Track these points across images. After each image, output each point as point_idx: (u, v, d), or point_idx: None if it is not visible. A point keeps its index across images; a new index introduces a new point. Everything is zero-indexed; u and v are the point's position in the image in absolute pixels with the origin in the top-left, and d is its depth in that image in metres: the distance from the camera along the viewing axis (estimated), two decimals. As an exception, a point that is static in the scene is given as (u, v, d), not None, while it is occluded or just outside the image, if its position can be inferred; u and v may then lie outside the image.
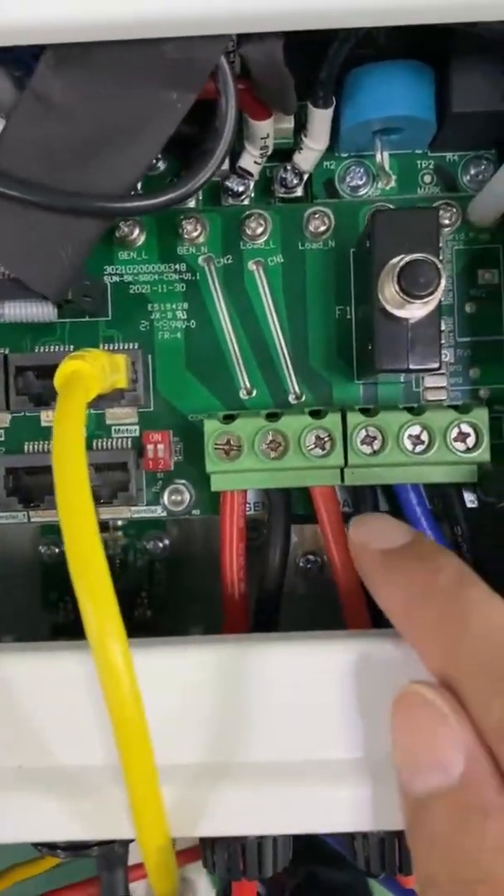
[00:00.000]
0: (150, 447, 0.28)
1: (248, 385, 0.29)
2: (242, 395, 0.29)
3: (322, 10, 0.20)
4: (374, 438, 0.25)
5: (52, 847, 0.25)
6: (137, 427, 0.29)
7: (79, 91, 0.23)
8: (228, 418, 0.26)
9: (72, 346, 0.29)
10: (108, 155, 0.23)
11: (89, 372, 0.22)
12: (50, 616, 0.36)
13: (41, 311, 0.26)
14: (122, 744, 0.17)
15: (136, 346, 0.29)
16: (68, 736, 0.20)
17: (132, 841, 0.20)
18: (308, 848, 0.38)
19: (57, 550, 0.36)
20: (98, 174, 0.24)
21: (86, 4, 0.20)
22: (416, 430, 0.25)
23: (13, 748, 0.20)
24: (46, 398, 0.28)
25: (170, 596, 0.36)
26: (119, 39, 0.21)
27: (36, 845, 0.25)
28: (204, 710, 0.20)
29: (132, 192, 0.24)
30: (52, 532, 0.35)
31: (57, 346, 0.29)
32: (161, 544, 0.36)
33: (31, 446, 0.29)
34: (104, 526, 0.35)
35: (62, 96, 0.23)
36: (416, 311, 0.23)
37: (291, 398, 0.29)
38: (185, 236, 0.28)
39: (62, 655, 0.20)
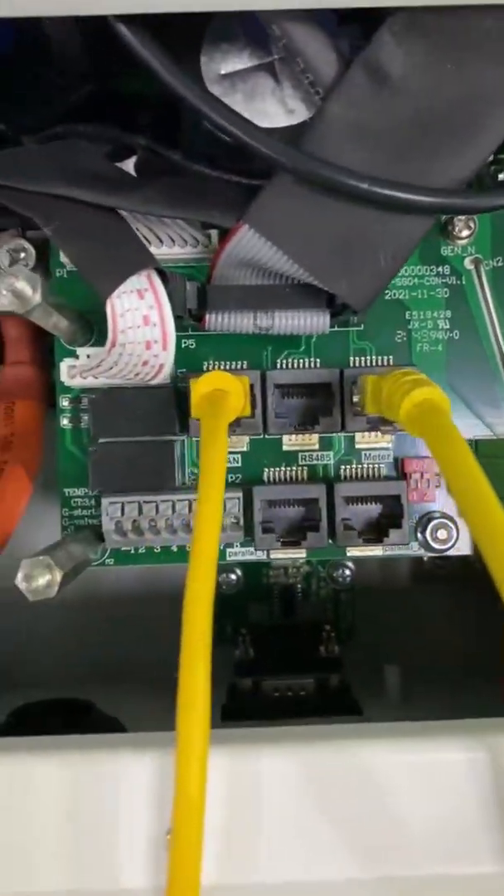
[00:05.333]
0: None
1: (520, 404, 0.26)
2: (512, 415, 0.26)
3: None
4: None
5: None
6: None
7: (422, 66, 0.19)
8: None
9: (318, 361, 0.25)
10: (447, 142, 0.20)
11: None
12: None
13: (316, 323, 0.23)
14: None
15: (390, 360, 0.25)
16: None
17: None
18: None
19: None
20: (430, 165, 0.20)
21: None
22: None
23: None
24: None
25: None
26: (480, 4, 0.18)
27: None
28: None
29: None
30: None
31: (302, 360, 0.25)
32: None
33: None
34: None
35: (402, 70, 0.19)
36: None
37: None
38: (454, 234, 0.25)
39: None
